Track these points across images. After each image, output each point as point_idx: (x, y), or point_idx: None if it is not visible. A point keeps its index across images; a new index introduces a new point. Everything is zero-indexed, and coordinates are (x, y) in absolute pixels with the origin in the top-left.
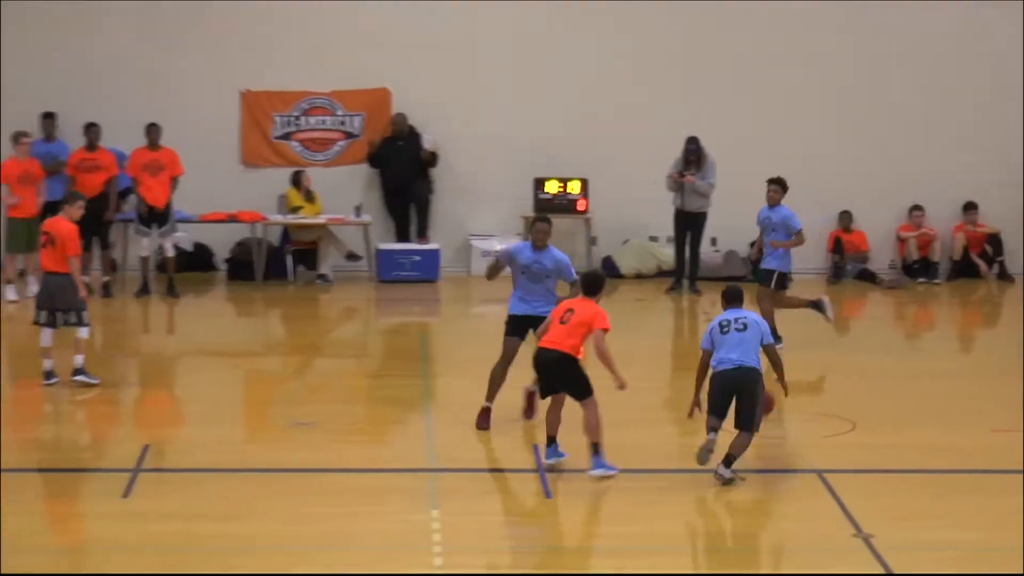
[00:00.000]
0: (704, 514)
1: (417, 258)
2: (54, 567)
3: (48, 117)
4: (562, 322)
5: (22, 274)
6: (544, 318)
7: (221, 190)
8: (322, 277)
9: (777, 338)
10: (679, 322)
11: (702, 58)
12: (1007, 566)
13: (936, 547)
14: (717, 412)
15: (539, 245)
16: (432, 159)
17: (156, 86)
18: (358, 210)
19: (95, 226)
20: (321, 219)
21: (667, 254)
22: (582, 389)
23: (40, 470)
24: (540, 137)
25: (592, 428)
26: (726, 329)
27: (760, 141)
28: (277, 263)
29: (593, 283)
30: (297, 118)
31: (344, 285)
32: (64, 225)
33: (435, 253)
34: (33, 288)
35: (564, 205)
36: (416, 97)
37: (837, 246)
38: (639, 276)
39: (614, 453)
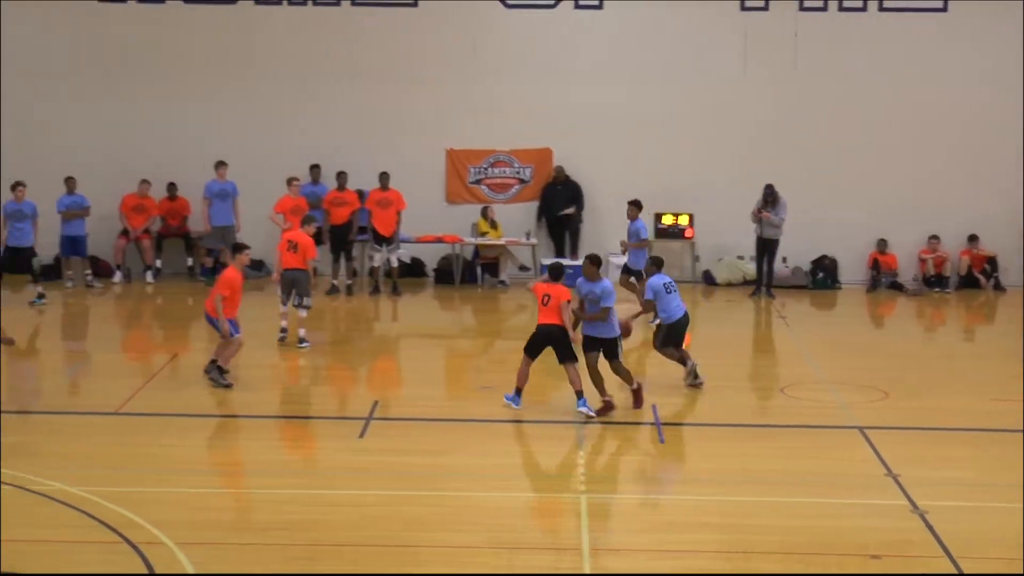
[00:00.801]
0: (774, 456)
1: (570, 270)
2: (306, 485)
3: (315, 168)
4: (544, 304)
5: None
6: (604, 338)
7: (431, 219)
8: (501, 283)
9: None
10: (758, 318)
11: (780, 131)
12: (1000, 497)
13: (946, 484)
14: (680, 344)
15: (591, 278)
16: (571, 214)
17: (387, 144)
18: (528, 235)
19: (342, 244)
20: (501, 241)
21: (750, 268)
22: (569, 354)
23: (296, 417)
24: (660, 180)
25: (574, 381)
26: (669, 290)
27: (818, 183)
28: (470, 272)
29: (556, 270)
30: (485, 168)
31: (517, 289)
32: (304, 238)
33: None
34: None
35: (676, 232)
36: (571, 153)
37: (875, 264)
38: (729, 284)
39: (708, 413)
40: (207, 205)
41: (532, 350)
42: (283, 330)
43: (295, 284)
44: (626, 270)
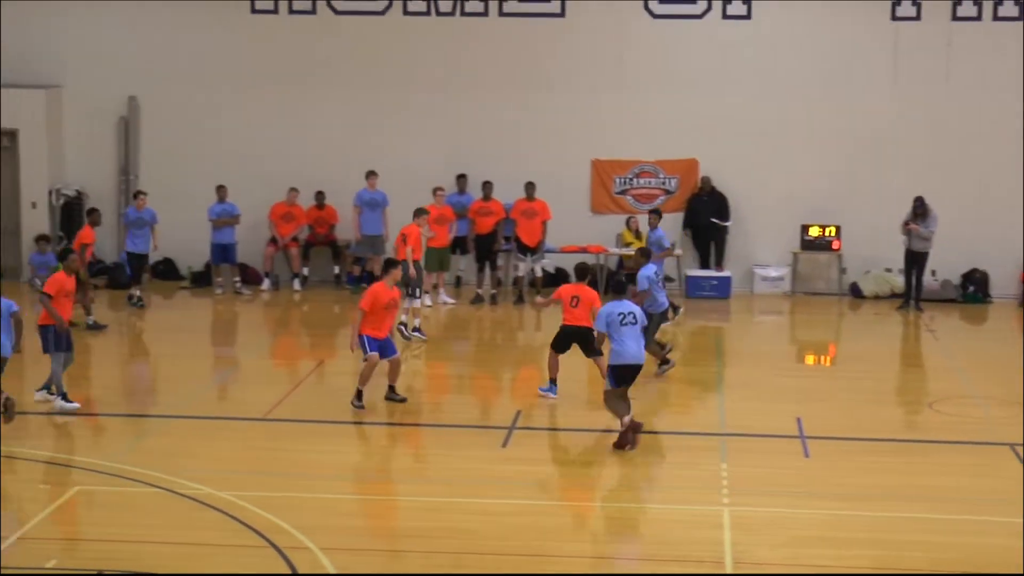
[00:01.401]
0: (922, 471)
1: (715, 281)
2: (449, 493)
3: (461, 177)
4: (573, 305)
5: (435, 287)
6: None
7: (576, 229)
8: None
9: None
10: (906, 331)
11: (931, 143)
12: None
13: None
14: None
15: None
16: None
17: (532, 154)
18: (673, 246)
19: (487, 254)
20: None
21: (898, 281)
22: (595, 350)
23: (441, 425)
24: (807, 193)
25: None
26: (659, 280)
27: (969, 195)
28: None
29: (583, 271)
30: (631, 179)
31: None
32: (414, 230)
33: (728, 278)
34: (443, 297)
35: (823, 244)
36: (717, 163)
37: None
38: (876, 297)
39: (854, 427)
40: (357, 214)
41: (559, 346)
42: (403, 324)
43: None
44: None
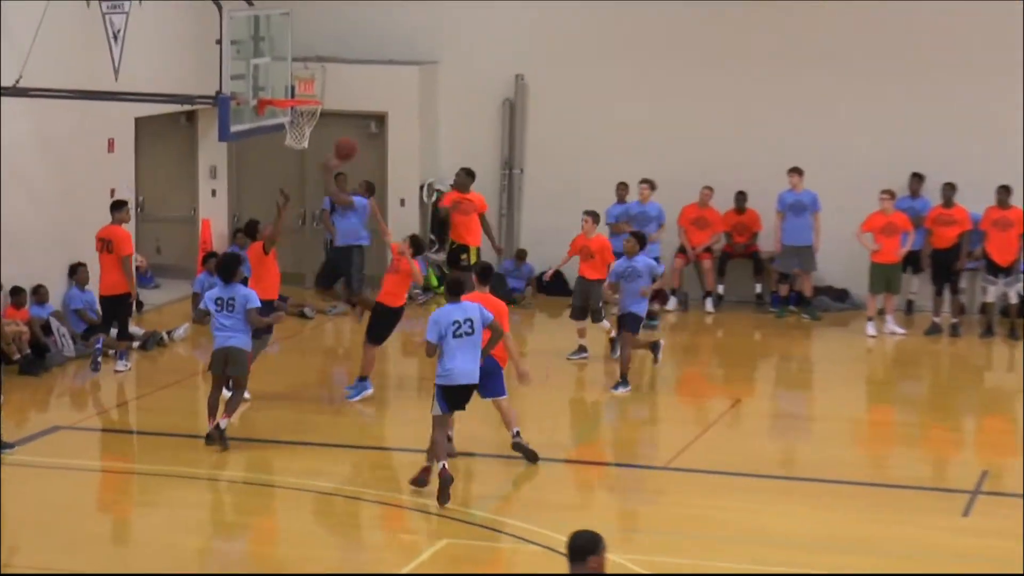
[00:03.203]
0: None
1: None
2: (895, 567)
3: (916, 177)
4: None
5: (881, 312)
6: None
7: None
8: None
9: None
10: None
11: None
12: None
13: None
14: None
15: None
16: None
17: (1005, 152)
18: None
19: (946, 273)
20: None
21: None
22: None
23: (888, 485)
24: None
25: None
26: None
27: None
28: None
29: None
30: None
31: None
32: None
33: None
34: (891, 326)
35: None
36: None
37: None
38: None
39: None
40: (779, 220)
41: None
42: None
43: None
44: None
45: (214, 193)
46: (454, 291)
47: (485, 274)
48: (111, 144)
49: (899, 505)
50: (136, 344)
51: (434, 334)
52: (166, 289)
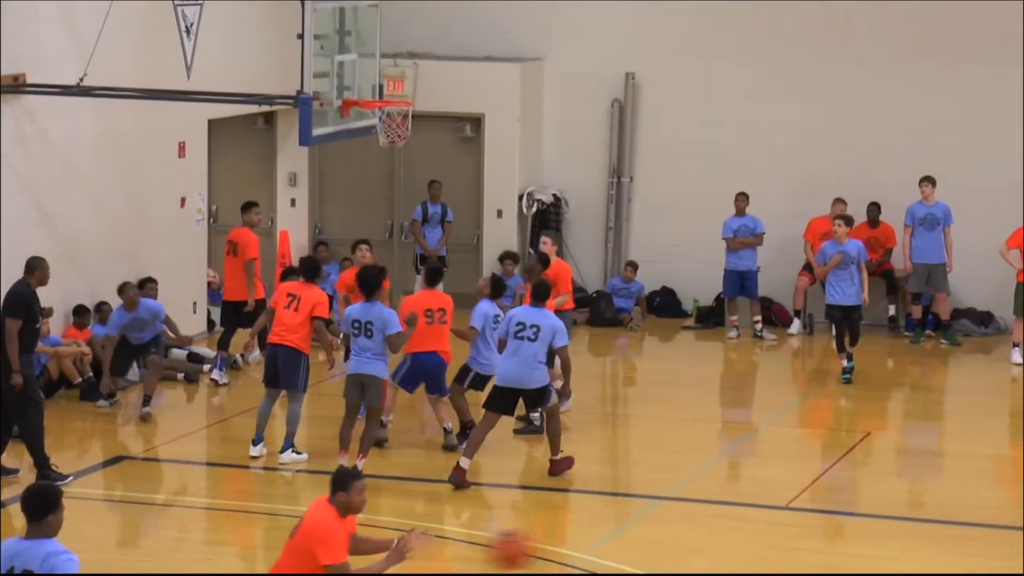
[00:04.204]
0: None
1: None
2: None
3: None
4: None
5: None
6: None
7: None
8: None
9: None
10: None
11: None
12: None
13: None
14: None
15: None
16: None
17: None
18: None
19: None
20: None
21: None
22: None
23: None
24: None
25: None
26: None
27: None
28: None
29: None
30: None
31: None
32: None
33: None
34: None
35: None
36: None
37: None
38: None
39: None
40: (908, 235)
41: None
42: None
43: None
44: None
45: (293, 203)
46: (534, 296)
47: (434, 276)
48: (182, 148)
49: None
50: (206, 368)
51: (502, 330)
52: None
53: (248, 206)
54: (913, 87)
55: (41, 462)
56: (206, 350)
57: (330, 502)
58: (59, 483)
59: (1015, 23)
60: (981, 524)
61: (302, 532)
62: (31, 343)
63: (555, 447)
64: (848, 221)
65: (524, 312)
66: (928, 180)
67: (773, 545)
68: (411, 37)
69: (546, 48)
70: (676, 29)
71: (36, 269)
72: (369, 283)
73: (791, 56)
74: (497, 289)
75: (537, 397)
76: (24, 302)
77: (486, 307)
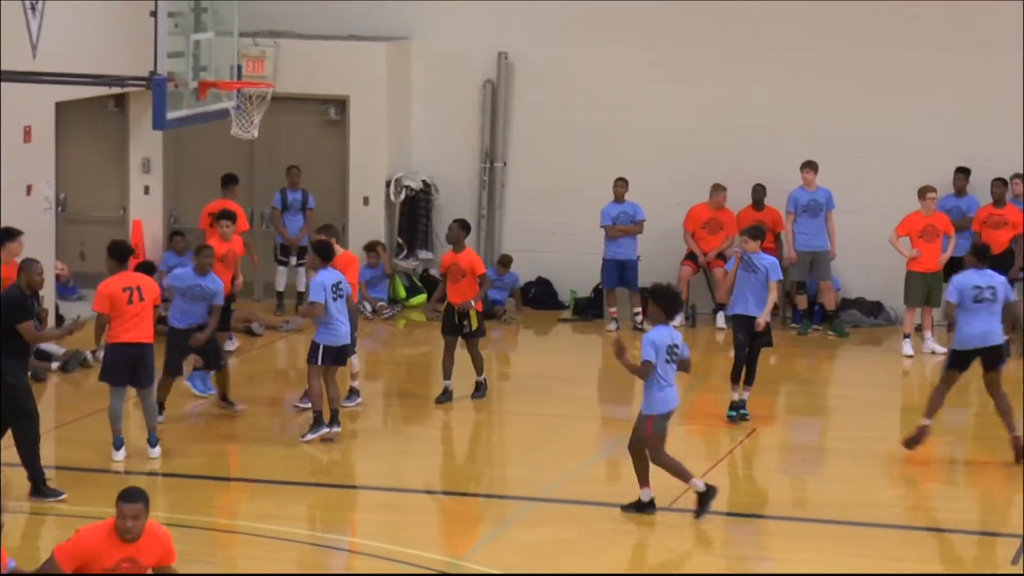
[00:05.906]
0: None
1: None
2: None
3: (961, 172)
4: None
5: (918, 329)
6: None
7: None
8: None
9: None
10: None
11: None
12: None
13: None
14: None
15: None
16: None
17: None
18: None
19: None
20: None
21: None
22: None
23: None
24: None
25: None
26: None
27: None
28: None
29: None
30: None
31: None
32: None
33: None
34: (930, 343)
35: None
36: None
37: None
38: None
39: None
40: (791, 222)
41: None
42: None
43: None
44: None
45: (147, 190)
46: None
47: (326, 252)
48: (28, 132)
49: (944, 551)
50: (55, 365)
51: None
52: (91, 300)
53: (228, 179)
54: (797, 69)
55: (36, 476)
56: (54, 347)
57: None
58: (54, 499)
59: (896, 3)
60: (871, 524)
61: None
62: (24, 350)
63: None
64: (814, 167)
65: None
66: (810, 165)
67: (657, 547)
68: (272, 15)
69: (414, 26)
70: (552, 7)
71: (23, 272)
72: (325, 251)
73: (672, 38)
74: (325, 255)
75: None
76: (21, 303)
77: (324, 277)
